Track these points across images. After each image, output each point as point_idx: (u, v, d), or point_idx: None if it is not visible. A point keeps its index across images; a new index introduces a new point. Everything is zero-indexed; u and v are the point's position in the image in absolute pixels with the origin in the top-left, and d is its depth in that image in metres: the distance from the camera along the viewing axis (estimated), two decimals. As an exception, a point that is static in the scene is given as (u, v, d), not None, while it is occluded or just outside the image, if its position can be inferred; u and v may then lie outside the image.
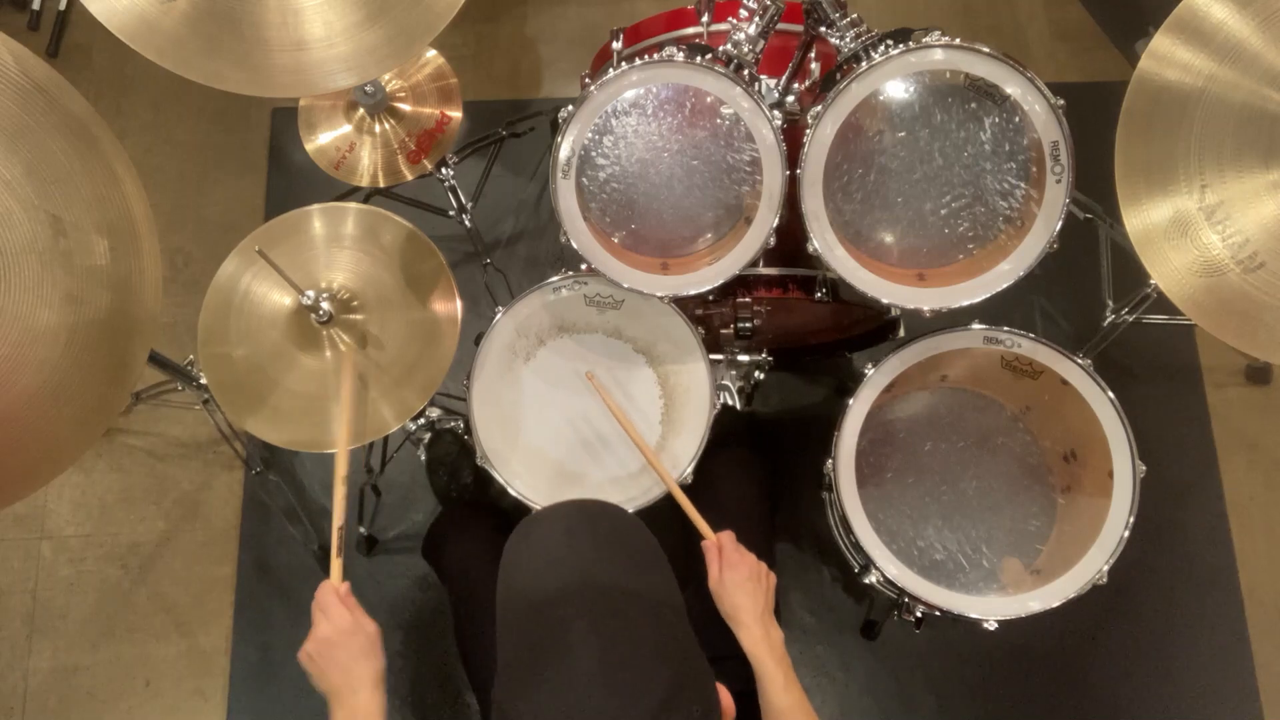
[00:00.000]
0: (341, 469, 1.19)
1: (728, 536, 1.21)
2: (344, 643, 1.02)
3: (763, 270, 1.45)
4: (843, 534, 1.45)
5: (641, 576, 0.85)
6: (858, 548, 1.37)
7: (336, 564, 1.11)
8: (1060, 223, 1.22)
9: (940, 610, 1.34)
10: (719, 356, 1.63)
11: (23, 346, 0.98)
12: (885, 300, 1.28)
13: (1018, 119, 1.22)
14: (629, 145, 1.30)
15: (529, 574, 0.86)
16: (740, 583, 1.14)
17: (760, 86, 1.41)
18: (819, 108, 1.19)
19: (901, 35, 1.20)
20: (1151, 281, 1.34)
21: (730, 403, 1.73)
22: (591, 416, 1.48)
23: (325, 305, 1.33)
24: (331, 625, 1.03)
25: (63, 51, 2.34)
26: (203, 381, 1.57)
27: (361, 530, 1.93)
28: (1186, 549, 1.96)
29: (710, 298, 1.40)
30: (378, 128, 1.62)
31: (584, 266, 1.33)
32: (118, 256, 1.06)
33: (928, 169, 1.28)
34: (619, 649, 0.75)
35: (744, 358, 1.62)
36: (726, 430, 1.54)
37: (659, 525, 1.44)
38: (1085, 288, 2.02)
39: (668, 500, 1.38)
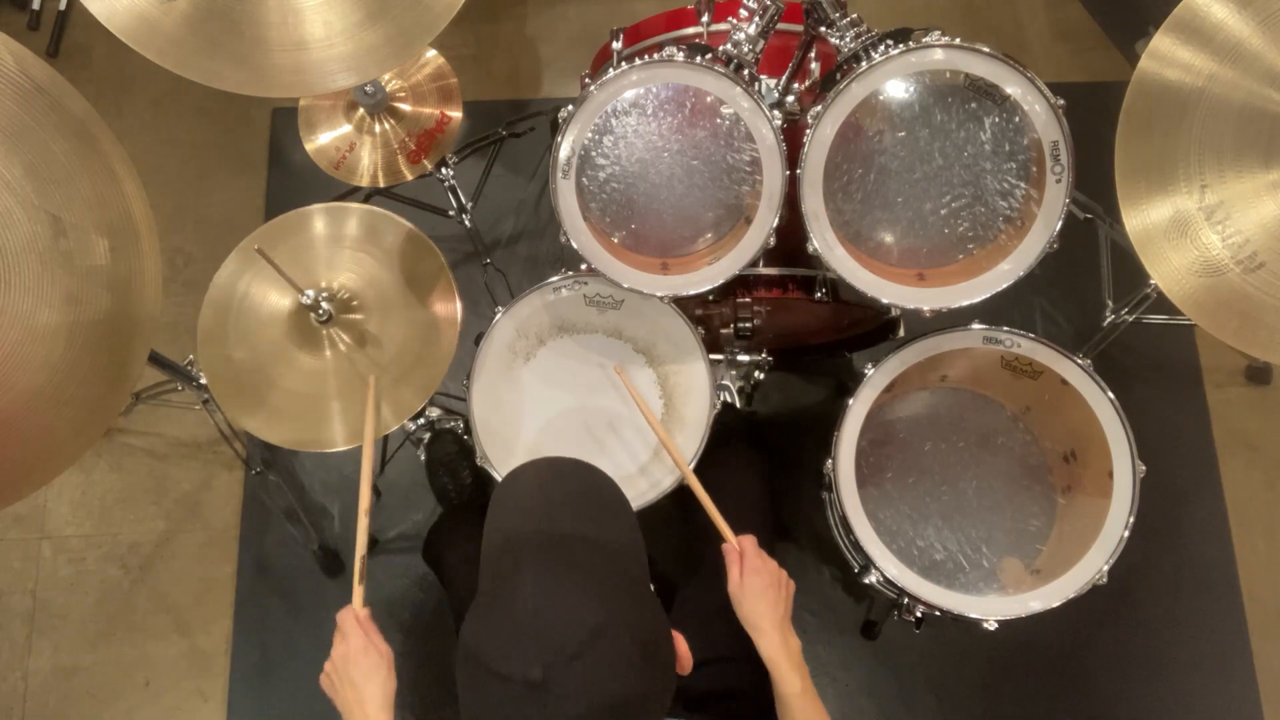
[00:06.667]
0: (365, 502, 1.20)
1: (749, 541, 1.19)
2: (357, 661, 1.07)
3: (763, 270, 1.45)
4: (843, 534, 1.45)
5: (599, 526, 0.90)
6: (858, 548, 1.37)
7: (358, 590, 1.15)
8: (1060, 223, 1.22)
9: (940, 610, 1.34)
10: (719, 356, 1.63)
11: (23, 346, 0.98)
12: (885, 300, 1.28)
13: (1018, 119, 1.22)
14: (629, 145, 1.30)
15: (502, 518, 0.92)
16: (762, 590, 1.14)
17: (760, 86, 1.41)
18: (819, 108, 1.19)
19: (901, 35, 1.20)
20: (1151, 281, 1.34)
21: (730, 400, 1.73)
22: (591, 417, 1.47)
23: (325, 305, 1.33)
24: (347, 645, 1.09)
25: (63, 51, 2.34)
26: (203, 381, 1.57)
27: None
28: (1186, 549, 1.96)
29: (710, 298, 1.40)
30: (378, 128, 1.62)
31: (584, 266, 1.33)
32: (118, 256, 1.06)
33: (928, 169, 1.28)
34: (559, 582, 0.80)
35: (744, 358, 1.62)
36: (726, 430, 1.54)
37: (662, 521, 1.45)
38: (1085, 288, 2.02)
39: (668, 499, 1.38)
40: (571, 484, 0.94)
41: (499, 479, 1.40)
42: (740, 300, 1.45)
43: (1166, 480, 1.98)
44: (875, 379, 1.40)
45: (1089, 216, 1.87)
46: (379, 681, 1.06)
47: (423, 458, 1.95)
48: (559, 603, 0.78)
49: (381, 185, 1.63)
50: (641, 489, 1.42)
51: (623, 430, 1.47)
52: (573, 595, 0.79)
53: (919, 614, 1.40)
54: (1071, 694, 1.87)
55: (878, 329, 1.68)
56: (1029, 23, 2.37)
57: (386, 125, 1.63)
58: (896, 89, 1.23)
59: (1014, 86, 1.17)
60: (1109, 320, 1.82)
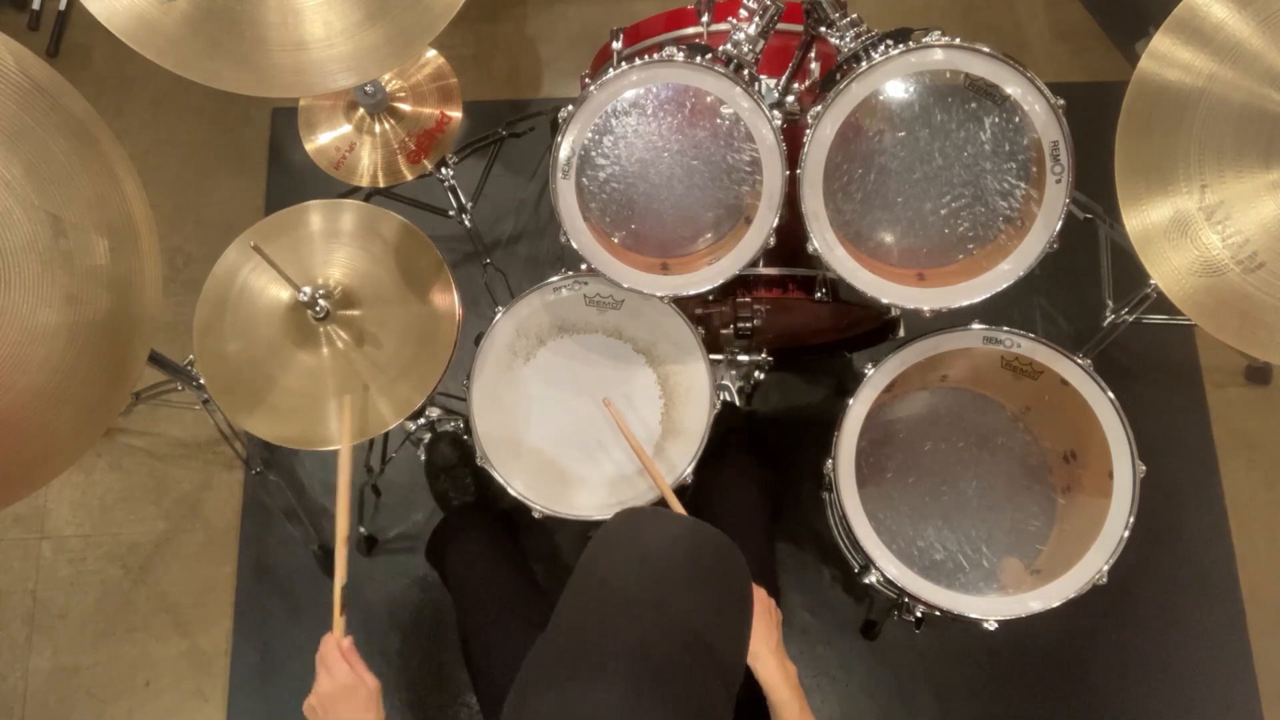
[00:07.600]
0: (343, 530, 1.19)
1: None
2: (345, 698, 1.05)
3: (763, 270, 1.45)
4: (843, 534, 1.45)
5: (716, 625, 0.83)
6: (858, 548, 1.37)
7: (339, 621, 1.12)
8: (1060, 223, 1.22)
9: (940, 610, 1.34)
10: (719, 356, 1.63)
11: (23, 346, 0.98)
12: (885, 300, 1.28)
13: (1018, 119, 1.22)
14: (629, 145, 1.30)
15: (615, 558, 0.84)
16: (755, 618, 1.14)
17: (760, 86, 1.41)
18: (819, 108, 1.20)
19: (901, 35, 1.20)
20: (1151, 281, 1.34)
21: (730, 400, 1.73)
22: (591, 417, 1.47)
23: (322, 302, 1.33)
24: (333, 681, 1.06)
25: (63, 51, 2.34)
26: (202, 382, 1.57)
27: (361, 530, 1.93)
28: (1186, 549, 1.96)
29: (710, 298, 1.40)
30: (378, 128, 1.62)
31: (584, 266, 1.33)
32: (118, 256, 1.06)
33: (928, 169, 1.28)
34: (647, 709, 0.74)
35: (744, 358, 1.62)
36: (726, 430, 1.54)
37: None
38: (1085, 288, 2.02)
39: (664, 503, 1.38)
40: (702, 566, 0.86)
41: (499, 479, 1.40)
42: (740, 300, 1.45)
43: (1166, 480, 1.98)
44: (875, 379, 1.40)
45: (1089, 216, 1.87)
46: (368, 717, 1.05)
47: (422, 458, 1.95)
48: None
49: (381, 185, 1.63)
50: (640, 489, 1.42)
51: (623, 430, 1.47)
52: None
53: (919, 614, 1.40)
54: (1071, 694, 1.87)
55: (878, 329, 1.68)
56: (1029, 23, 2.37)
57: (386, 125, 1.63)
58: (896, 89, 1.23)
59: (1014, 86, 1.17)
60: (1109, 320, 1.82)
